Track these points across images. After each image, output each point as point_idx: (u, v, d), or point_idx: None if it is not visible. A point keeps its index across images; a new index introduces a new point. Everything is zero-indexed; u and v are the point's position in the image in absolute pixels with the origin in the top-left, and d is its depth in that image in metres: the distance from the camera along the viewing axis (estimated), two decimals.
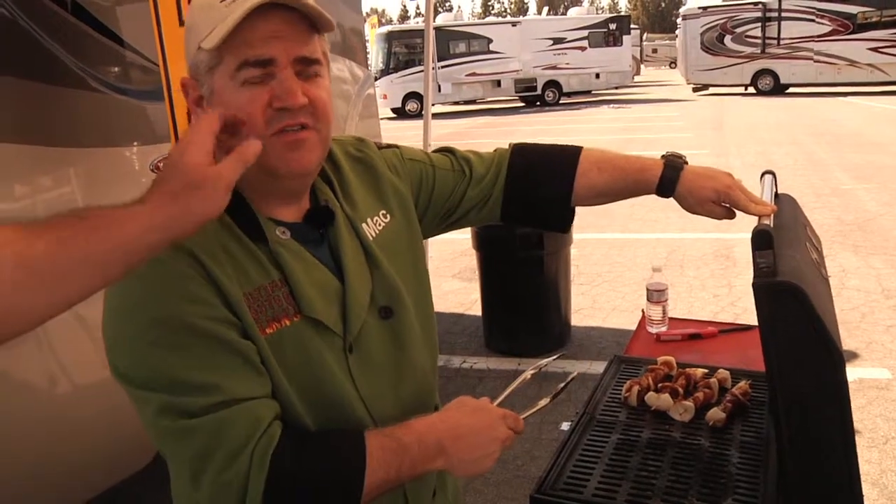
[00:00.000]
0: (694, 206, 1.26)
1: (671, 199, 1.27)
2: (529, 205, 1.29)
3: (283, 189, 1.01)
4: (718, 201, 1.24)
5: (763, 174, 1.40)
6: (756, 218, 1.18)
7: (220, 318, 0.90)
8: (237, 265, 0.94)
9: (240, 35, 0.91)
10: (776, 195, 1.32)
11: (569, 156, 1.29)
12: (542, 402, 1.14)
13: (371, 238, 1.09)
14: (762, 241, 1.08)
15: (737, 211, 1.25)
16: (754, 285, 1.04)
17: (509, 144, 1.34)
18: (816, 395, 1.06)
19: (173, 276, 0.89)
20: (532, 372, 1.18)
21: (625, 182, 1.28)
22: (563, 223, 1.34)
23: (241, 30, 0.90)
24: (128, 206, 0.78)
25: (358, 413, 1.01)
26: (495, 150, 1.33)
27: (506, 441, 1.00)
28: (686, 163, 1.29)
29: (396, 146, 1.25)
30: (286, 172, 0.97)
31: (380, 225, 1.12)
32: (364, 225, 1.09)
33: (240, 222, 0.96)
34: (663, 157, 1.29)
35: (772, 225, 1.14)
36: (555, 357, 1.27)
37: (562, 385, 1.17)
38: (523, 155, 1.31)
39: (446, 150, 1.30)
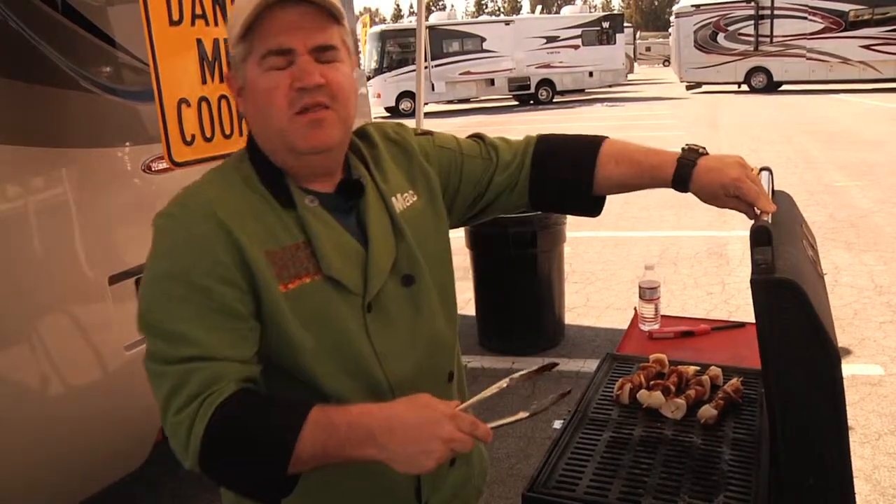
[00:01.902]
0: (709, 201, 1.23)
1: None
2: (553, 192, 1.33)
3: (310, 166, 1.10)
4: (729, 195, 1.19)
5: (760, 170, 1.39)
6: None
7: (225, 277, 1.00)
8: (265, 226, 1.05)
9: (262, 28, 1.01)
10: (773, 192, 1.29)
11: (591, 147, 1.31)
12: (521, 415, 1.05)
13: (399, 211, 1.18)
14: (760, 237, 1.07)
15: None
16: (752, 281, 1.03)
17: (537, 134, 1.38)
18: (812, 391, 1.06)
19: (195, 237, 1.01)
20: (508, 383, 1.07)
21: (640, 178, 1.29)
22: (590, 209, 1.34)
23: (262, 22, 1.01)
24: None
25: (372, 368, 1.10)
26: (524, 138, 1.37)
27: (452, 442, 0.93)
28: (703, 154, 1.24)
29: (431, 133, 1.33)
30: (307, 149, 1.06)
31: (408, 202, 1.21)
32: (394, 199, 1.19)
33: (273, 191, 1.08)
34: (683, 149, 1.26)
35: (770, 221, 1.13)
36: (543, 366, 1.12)
37: (546, 403, 1.08)
38: (548, 144, 1.34)
39: (476, 137, 1.36)
